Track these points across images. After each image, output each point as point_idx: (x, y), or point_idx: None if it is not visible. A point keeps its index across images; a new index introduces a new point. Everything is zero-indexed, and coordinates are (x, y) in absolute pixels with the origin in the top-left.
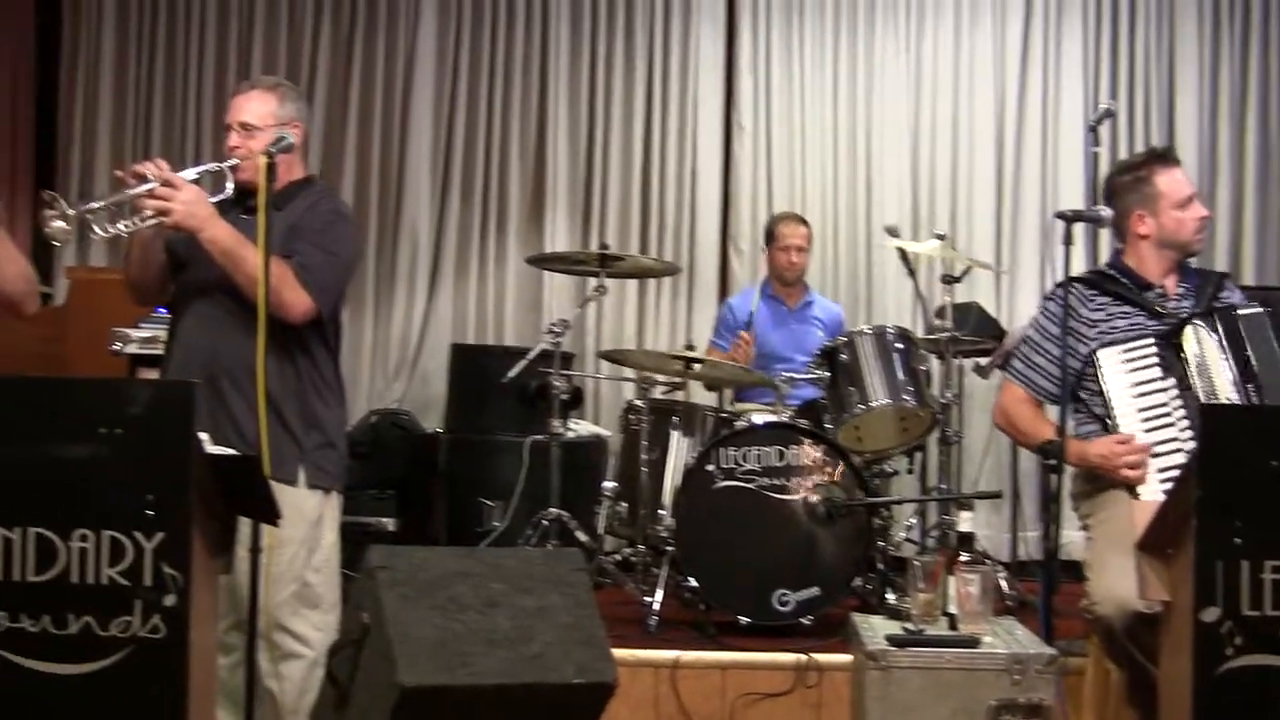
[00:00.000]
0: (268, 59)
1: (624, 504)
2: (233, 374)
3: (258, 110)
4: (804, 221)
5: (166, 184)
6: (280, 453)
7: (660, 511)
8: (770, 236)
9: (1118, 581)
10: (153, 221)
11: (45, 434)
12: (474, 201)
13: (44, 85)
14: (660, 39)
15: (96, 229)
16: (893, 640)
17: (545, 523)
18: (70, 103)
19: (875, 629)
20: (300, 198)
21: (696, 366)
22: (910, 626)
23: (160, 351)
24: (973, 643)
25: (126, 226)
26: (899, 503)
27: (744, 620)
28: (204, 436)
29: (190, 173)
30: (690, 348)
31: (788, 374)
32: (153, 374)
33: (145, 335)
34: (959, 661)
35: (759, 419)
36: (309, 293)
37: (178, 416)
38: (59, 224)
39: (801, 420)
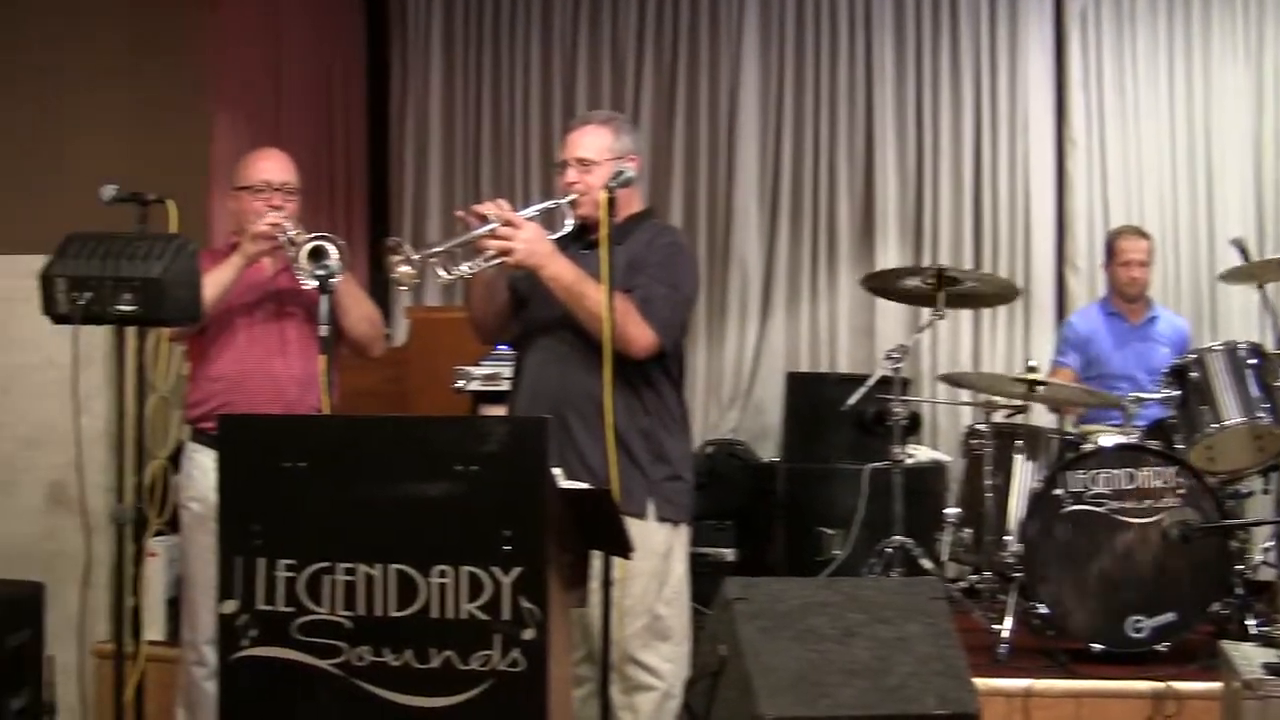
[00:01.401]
0: (592, 94)
1: (968, 530)
2: (579, 409)
3: (594, 145)
4: (1145, 235)
5: (507, 223)
6: (628, 486)
7: (1006, 537)
8: (1110, 252)
9: None
10: (495, 262)
11: (404, 472)
12: (803, 227)
13: (375, 135)
14: (987, 56)
15: (440, 272)
16: (1270, 668)
17: (888, 551)
18: (400, 149)
19: (1248, 657)
20: (639, 231)
21: (1040, 388)
22: None
23: (502, 388)
24: None
25: (470, 268)
26: (1257, 525)
27: (1096, 647)
28: (557, 471)
29: (530, 210)
30: (1032, 369)
31: (1135, 394)
32: (496, 410)
33: (487, 372)
34: None
35: (1106, 441)
36: (652, 327)
37: (532, 452)
38: (404, 269)
39: (1151, 441)
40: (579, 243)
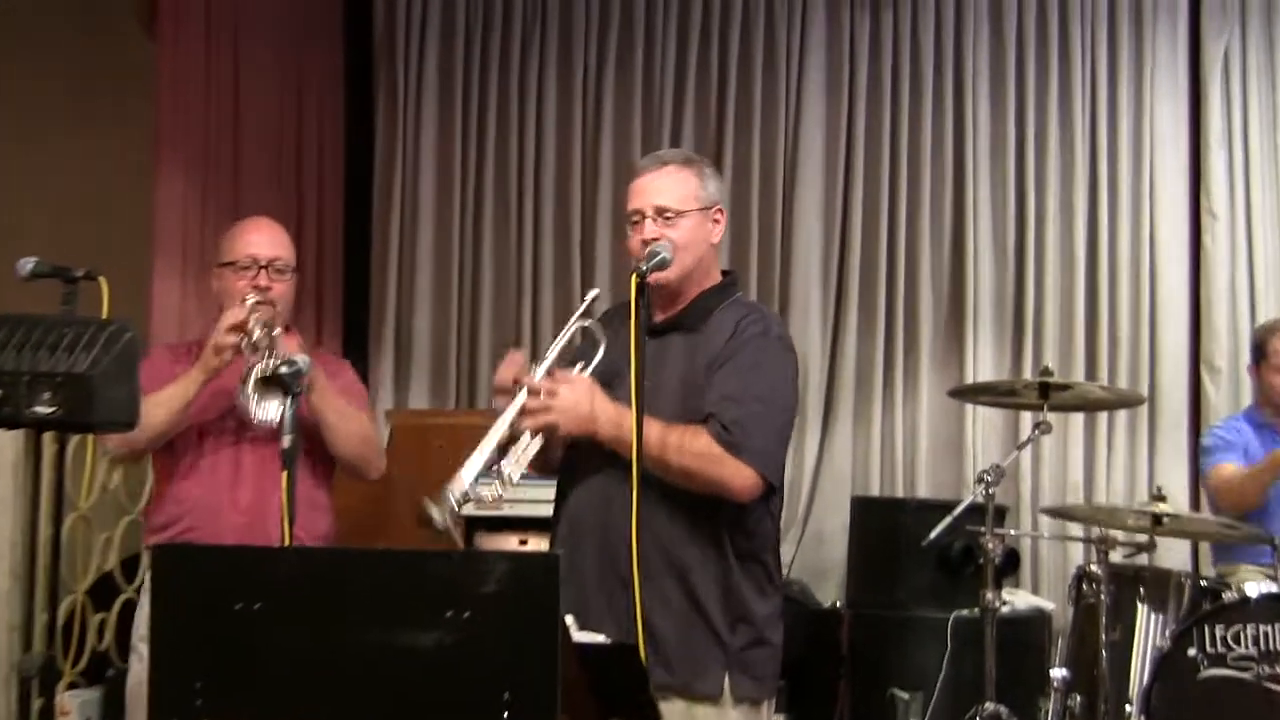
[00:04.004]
0: (619, 150)
1: (1078, 696)
2: (645, 559)
3: (677, 191)
4: None
5: (532, 393)
6: (700, 658)
7: (1127, 706)
8: (1259, 352)
9: None
10: (536, 446)
11: (381, 618)
12: (876, 320)
13: (354, 200)
14: (1105, 112)
15: (485, 494)
16: None
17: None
18: (385, 216)
19: None
20: (720, 313)
21: (1169, 520)
22: None
23: (503, 513)
24: None
25: (515, 467)
26: None
27: None
28: (569, 620)
29: (544, 366)
30: (1160, 496)
31: None
32: (498, 541)
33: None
34: None
35: (1253, 588)
36: (748, 461)
37: (541, 596)
38: (448, 527)
39: None
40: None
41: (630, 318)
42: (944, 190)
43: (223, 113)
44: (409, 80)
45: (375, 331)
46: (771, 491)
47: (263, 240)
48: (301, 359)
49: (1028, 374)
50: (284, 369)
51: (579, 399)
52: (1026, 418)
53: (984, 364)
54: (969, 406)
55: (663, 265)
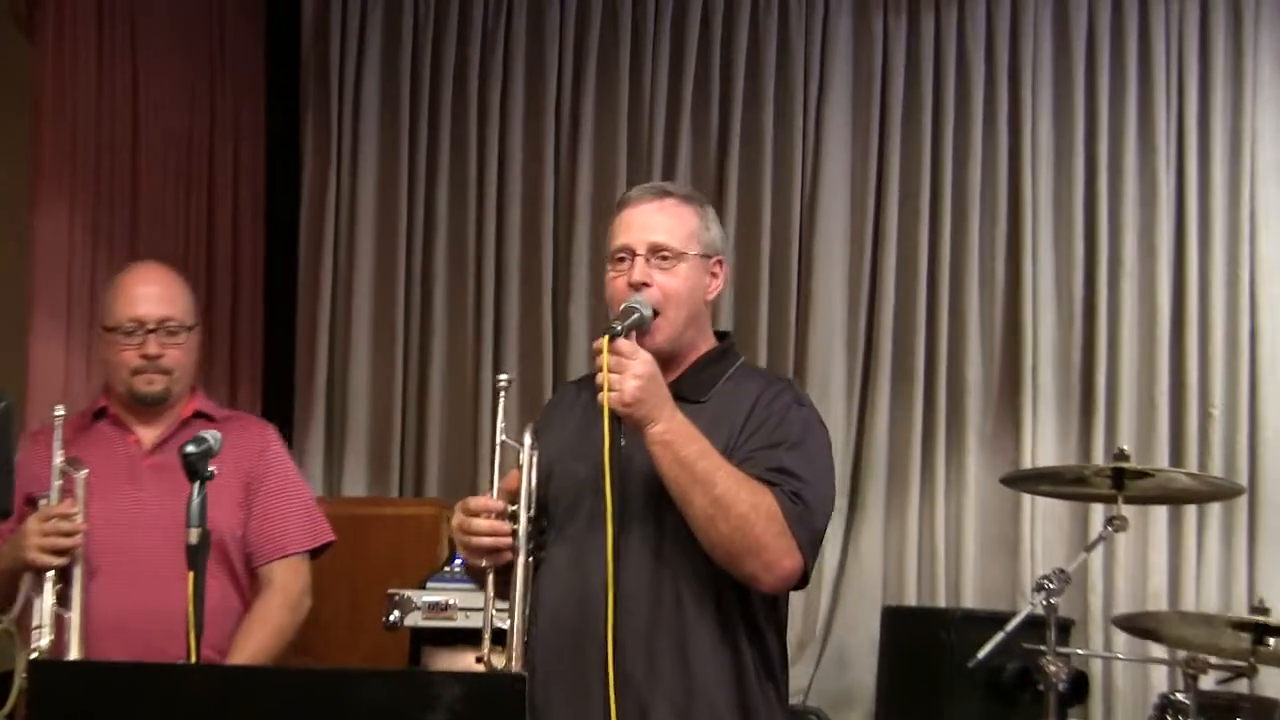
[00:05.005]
0: (598, 191)
1: None
2: (652, 659)
3: (678, 229)
4: None
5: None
6: None
7: None
8: None
9: None
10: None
11: None
12: (912, 391)
13: (276, 245)
14: (1195, 138)
15: None
16: None
17: None
18: (314, 263)
19: None
20: (727, 383)
21: (1274, 640)
22: None
23: (456, 624)
24: None
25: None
26: None
27: None
28: None
29: (494, 492)
30: (1262, 608)
31: None
32: (448, 658)
33: (433, 599)
34: None
35: None
36: (800, 545)
37: None
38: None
39: None
40: None
41: (603, 388)
42: (996, 232)
43: (118, 132)
44: (344, 94)
45: (302, 400)
46: (799, 588)
47: (150, 296)
48: (212, 435)
49: (1099, 458)
50: (190, 448)
51: (658, 377)
52: (1097, 511)
53: (1045, 445)
54: (1026, 497)
55: (640, 326)
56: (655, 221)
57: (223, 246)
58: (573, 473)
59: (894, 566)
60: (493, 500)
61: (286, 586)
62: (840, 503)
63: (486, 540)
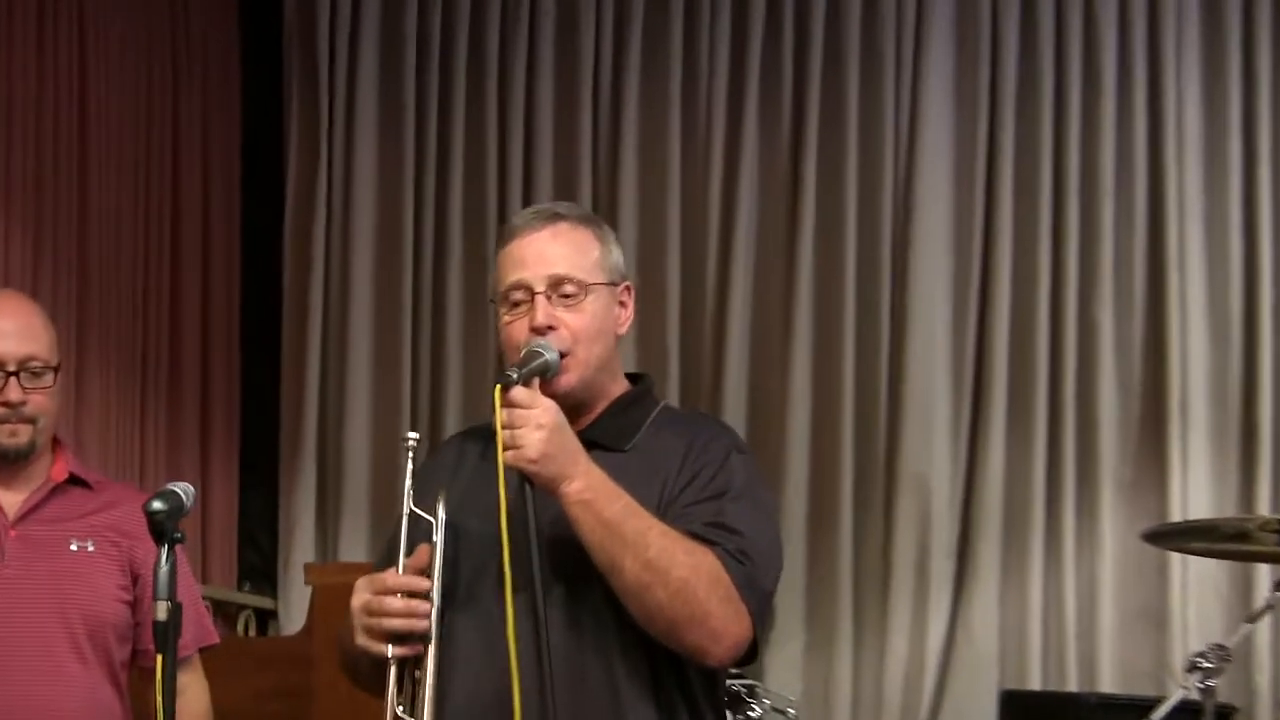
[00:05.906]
0: (644, 210)
1: None
2: None
3: (578, 258)
4: None
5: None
6: None
7: None
8: None
9: None
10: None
11: None
12: (1033, 432)
13: (252, 267)
14: None
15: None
16: None
17: None
18: (302, 290)
19: None
20: (651, 427)
21: None
22: None
23: None
24: None
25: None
26: None
27: None
28: None
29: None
30: None
31: None
32: None
33: None
34: None
35: None
36: (750, 611)
37: None
38: None
39: None
40: None
41: (496, 437)
42: (1133, 238)
43: (62, 126)
44: (335, 72)
45: (287, 451)
46: (748, 661)
47: (8, 332)
48: (183, 489)
49: (1263, 508)
50: (156, 504)
51: (564, 430)
52: (1263, 573)
53: (1197, 494)
54: (1175, 557)
55: (544, 372)
56: (552, 251)
57: (190, 268)
58: (473, 530)
59: (1013, 642)
60: (416, 578)
61: (202, 695)
62: (946, 565)
63: (399, 623)
